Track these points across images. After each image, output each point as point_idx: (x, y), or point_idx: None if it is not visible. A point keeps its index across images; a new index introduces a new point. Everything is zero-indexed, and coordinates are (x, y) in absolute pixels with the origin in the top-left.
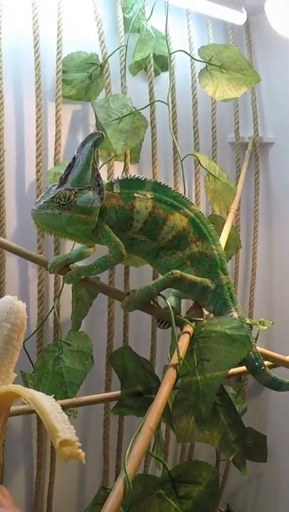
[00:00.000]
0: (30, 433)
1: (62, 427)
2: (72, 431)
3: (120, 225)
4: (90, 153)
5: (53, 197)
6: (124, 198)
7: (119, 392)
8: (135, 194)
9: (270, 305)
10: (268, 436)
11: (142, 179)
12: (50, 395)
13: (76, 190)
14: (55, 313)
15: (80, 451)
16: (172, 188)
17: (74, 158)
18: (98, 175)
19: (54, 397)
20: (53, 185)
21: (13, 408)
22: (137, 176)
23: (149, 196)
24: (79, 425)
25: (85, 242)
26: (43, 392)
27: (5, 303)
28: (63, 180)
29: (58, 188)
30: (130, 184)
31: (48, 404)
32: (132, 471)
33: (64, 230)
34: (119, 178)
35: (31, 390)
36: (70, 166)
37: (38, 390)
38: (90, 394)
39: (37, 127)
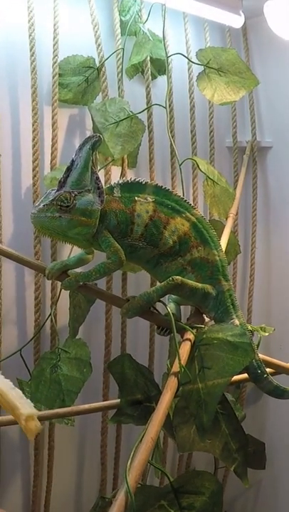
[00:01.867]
0: (27, 441)
1: (21, 402)
2: (30, 405)
3: (120, 229)
4: (89, 155)
5: (52, 200)
6: (124, 201)
7: (118, 400)
8: (136, 198)
9: (269, 311)
10: (266, 443)
11: (143, 183)
12: (47, 403)
13: (76, 192)
14: (52, 320)
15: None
16: (174, 192)
17: (72, 161)
18: (97, 178)
19: (52, 406)
20: (52, 190)
21: (8, 418)
22: (137, 180)
23: (150, 200)
24: (76, 433)
25: (85, 247)
26: (40, 400)
27: None
28: (62, 184)
29: (57, 191)
30: (131, 188)
31: (1, 382)
32: (133, 483)
33: (65, 233)
34: (120, 181)
35: None
36: (69, 169)
37: (36, 398)
38: (87, 401)
39: (33, 131)
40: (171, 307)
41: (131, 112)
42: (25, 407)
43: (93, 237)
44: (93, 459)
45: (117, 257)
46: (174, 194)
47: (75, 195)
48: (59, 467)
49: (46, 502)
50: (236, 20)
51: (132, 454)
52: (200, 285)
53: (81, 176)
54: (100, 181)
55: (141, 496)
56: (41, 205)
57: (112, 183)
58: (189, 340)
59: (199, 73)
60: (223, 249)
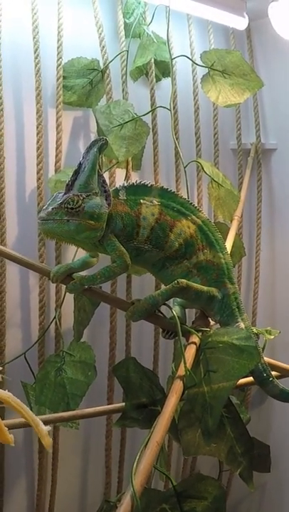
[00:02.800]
0: (31, 444)
1: (39, 420)
2: (41, 423)
3: (126, 232)
4: (96, 158)
5: (61, 203)
6: (130, 204)
7: (123, 404)
8: (141, 200)
9: (274, 313)
10: (271, 446)
11: (149, 185)
12: (52, 406)
13: (84, 196)
14: (56, 323)
15: None
16: (179, 194)
17: (80, 164)
18: (104, 181)
19: (56, 409)
20: (59, 193)
21: (13, 421)
22: (143, 182)
23: (156, 202)
24: (81, 436)
25: (90, 250)
26: (45, 403)
27: None
28: (70, 187)
29: (64, 194)
30: (136, 190)
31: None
32: (139, 487)
33: (72, 237)
34: (125, 184)
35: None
36: (76, 172)
37: (40, 402)
38: (91, 405)
39: (37, 134)
40: (176, 310)
41: (135, 114)
42: (41, 424)
43: (99, 241)
44: (98, 462)
45: (123, 260)
46: (179, 197)
47: (83, 198)
48: (63, 470)
49: (50, 505)
50: (240, 22)
51: (137, 457)
52: (205, 288)
53: (89, 179)
54: (106, 184)
55: (143, 498)
56: (49, 209)
57: (118, 185)
58: (194, 343)
59: (203, 75)
60: (228, 252)
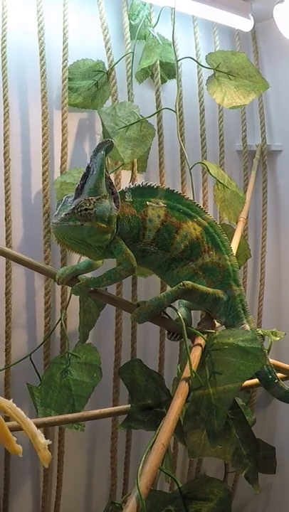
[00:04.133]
0: None
1: (39, 433)
2: (42, 435)
3: (133, 234)
4: (103, 161)
5: (74, 208)
6: (136, 206)
7: (129, 405)
8: (147, 202)
9: (279, 315)
10: (276, 447)
11: (155, 187)
12: (57, 408)
13: (94, 199)
14: (62, 325)
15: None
16: (185, 196)
17: (88, 168)
18: (111, 183)
19: (62, 411)
20: (68, 197)
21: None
22: (149, 184)
23: (162, 204)
24: (86, 438)
25: (96, 256)
26: (50, 405)
27: None
28: (80, 191)
29: (74, 198)
30: (142, 192)
31: (22, 412)
32: (144, 489)
33: (84, 241)
34: (131, 186)
35: (4, 399)
36: (85, 176)
37: (46, 403)
38: (97, 406)
39: (43, 136)
40: (181, 312)
41: (141, 116)
42: (42, 437)
43: (106, 245)
44: (103, 464)
45: (129, 263)
46: (185, 198)
47: (94, 202)
48: (69, 472)
49: (56, 507)
50: (246, 24)
51: (142, 459)
52: (211, 290)
53: (97, 183)
54: (114, 187)
55: (148, 500)
56: (62, 215)
57: (124, 187)
58: (200, 345)
59: (209, 77)
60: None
